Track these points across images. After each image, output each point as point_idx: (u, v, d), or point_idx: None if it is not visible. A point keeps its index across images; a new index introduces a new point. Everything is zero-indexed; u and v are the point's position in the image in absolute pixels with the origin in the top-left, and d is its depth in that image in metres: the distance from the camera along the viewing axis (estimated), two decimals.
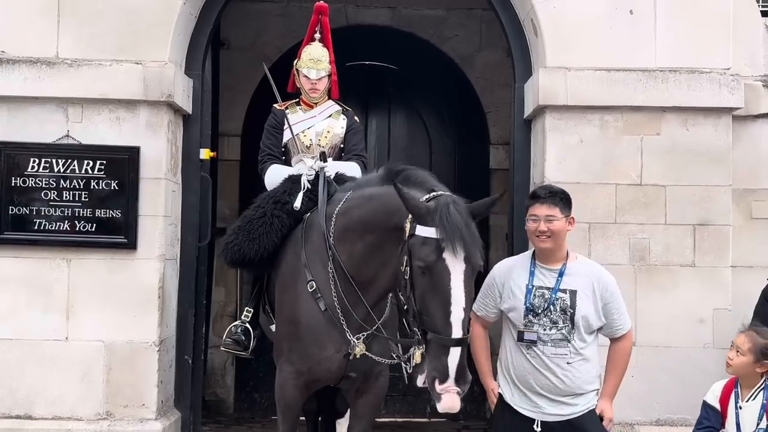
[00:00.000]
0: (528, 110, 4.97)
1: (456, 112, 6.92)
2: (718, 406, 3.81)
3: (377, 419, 6.12)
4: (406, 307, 3.09)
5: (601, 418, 3.39)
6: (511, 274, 3.42)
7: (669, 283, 4.71)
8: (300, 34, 6.44)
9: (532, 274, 3.35)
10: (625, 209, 4.72)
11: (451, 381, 2.85)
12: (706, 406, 3.86)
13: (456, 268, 2.93)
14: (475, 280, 3.10)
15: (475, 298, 3.50)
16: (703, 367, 4.67)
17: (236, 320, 4.20)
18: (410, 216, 3.05)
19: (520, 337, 3.33)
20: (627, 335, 3.46)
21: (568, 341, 3.30)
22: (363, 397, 3.68)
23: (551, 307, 3.29)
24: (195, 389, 5.03)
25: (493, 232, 6.83)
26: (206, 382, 6.23)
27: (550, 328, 3.30)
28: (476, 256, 2.96)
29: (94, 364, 4.63)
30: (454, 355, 2.86)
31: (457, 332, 2.89)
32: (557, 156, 4.74)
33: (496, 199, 3.28)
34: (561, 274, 3.33)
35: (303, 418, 4.51)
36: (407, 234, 3.05)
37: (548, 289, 3.32)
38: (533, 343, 3.30)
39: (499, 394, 3.44)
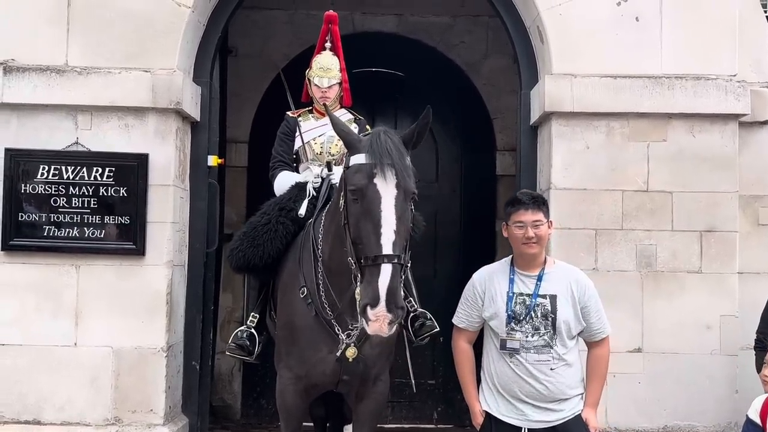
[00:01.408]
0: (534, 117, 4.98)
1: (462, 119, 6.93)
2: (758, 420, 3.80)
3: (384, 425, 6.13)
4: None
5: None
6: (492, 281, 3.40)
7: (676, 290, 4.71)
8: (307, 41, 6.50)
9: (511, 281, 3.35)
10: (631, 215, 4.72)
11: (382, 305, 2.80)
12: (748, 421, 3.88)
13: (387, 192, 2.94)
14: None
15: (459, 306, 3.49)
16: (710, 374, 4.67)
17: (242, 326, 4.22)
18: (346, 152, 3.12)
19: (503, 346, 3.33)
20: (605, 341, 3.45)
21: (551, 347, 3.29)
22: (363, 402, 3.68)
23: (532, 313, 3.28)
24: (202, 395, 5.04)
25: (500, 239, 6.83)
26: (213, 387, 6.25)
27: (532, 335, 3.29)
28: (407, 181, 2.97)
29: (103, 370, 4.65)
30: (385, 275, 2.83)
31: (387, 249, 2.86)
32: (563, 162, 4.75)
33: (420, 123, 3.18)
34: (539, 279, 3.32)
35: (312, 424, 4.53)
36: (342, 169, 3.10)
37: (528, 295, 3.31)
38: (516, 351, 3.29)
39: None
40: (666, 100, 4.72)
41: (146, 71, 4.70)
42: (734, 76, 4.76)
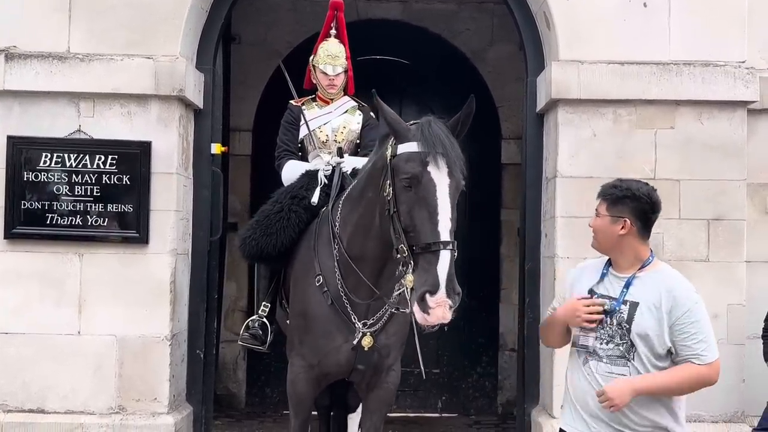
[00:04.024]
0: (540, 104, 4.94)
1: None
2: None
3: (389, 414, 6.10)
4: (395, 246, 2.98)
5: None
6: (582, 276, 2.99)
7: None
8: (311, 28, 6.43)
9: (603, 276, 2.91)
10: None
11: (442, 292, 2.77)
12: None
13: (441, 180, 2.92)
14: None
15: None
16: None
17: (253, 315, 4.20)
18: (391, 141, 3.08)
19: (575, 342, 2.92)
20: (707, 367, 2.81)
21: (627, 360, 2.81)
22: (374, 391, 3.67)
23: (608, 319, 2.83)
24: (207, 383, 5.03)
25: (505, 228, 6.81)
26: (218, 376, 6.24)
27: (607, 342, 2.84)
28: (458, 172, 2.96)
29: (107, 359, 4.65)
30: (444, 262, 2.80)
31: (445, 236, 2.84)
32: (570, 150, 4.71)
33: (464, 112, 3.14)
34: (628, 285, 2.85)
35: (315, 413, 4.51)
36: (389, 158, 3.05)
37: (612, 299, 2.86)
38: (589, 354, 2.85)
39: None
40: (674, 86, 4.67)
41: (149, 58, 4.67)
42: (743, 62, 4.71)
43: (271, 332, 4.02)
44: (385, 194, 3.05)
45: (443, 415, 6.74)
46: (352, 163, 4.08)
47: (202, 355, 4.96)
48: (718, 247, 4.68)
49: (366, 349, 3.46)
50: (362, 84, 4.67)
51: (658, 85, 4.67)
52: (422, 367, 3.47)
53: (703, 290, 4.56)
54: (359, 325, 3.43)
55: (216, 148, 5.03)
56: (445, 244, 2.83)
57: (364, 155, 4.24)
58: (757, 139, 4.85)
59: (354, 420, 4.44)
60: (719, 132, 4.71)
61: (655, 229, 4.58)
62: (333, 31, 4.45)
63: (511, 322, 6.58)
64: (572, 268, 3.09)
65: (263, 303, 4.09)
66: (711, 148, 4.70)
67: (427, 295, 2.79)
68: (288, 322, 3.88)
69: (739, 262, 4.69)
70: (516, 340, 5.97)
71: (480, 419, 6.57)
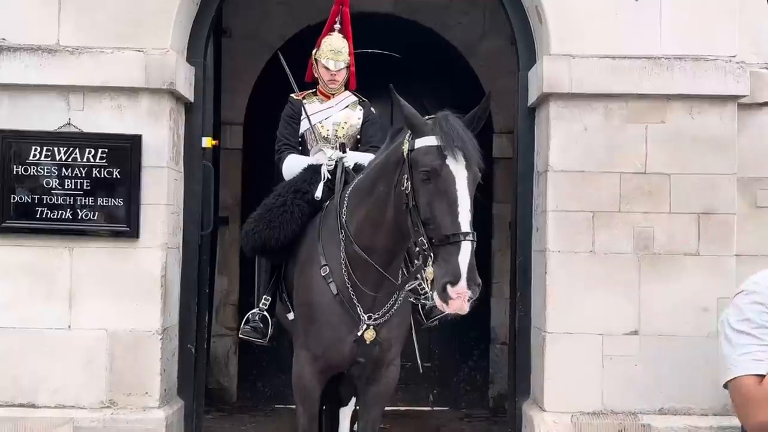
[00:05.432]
0: (532, 98, 4.94)
1: (459, 101, 6.85)
2: None
3: None
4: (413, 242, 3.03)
5: None
6: None
7: (673, 272, 4.69)
8: (302, 21, 6.43)
9: None
10: (629, 198, 4.70)
11: (463, 283, 2.79)
12: None
13: (459, 173, 2.96)
14: None
15: None
16: (707, 356, 4.64)
17: (247, 308, 4.23)
18: (407, 135, 3.11)
19: None
20: None
21: None
22: (373, 386, 3.69)
23: None
24: (198, 378, 5.03)
25: (497, 221, 6.81)
26: (209, 370, 6.23)
27: None
28: (476, 165, 3.01)
29: (97, 353, 4.63)
30: (465, 253, 2.82)
31: (465, 227, 2.87)
32: (561, 144, 4.71)
33: (481, 107, 3.21)
34: None
35: None
36: (406, 152, 3.08)
37: None
38: None
39: None
40: (665, 81, 4.67)
41: (139, 51, 4.64)
42: (734, 56, 4.72)
43: (271, 325, 4.04)
44: (402, 188, 3.07)
45: (434, 408, 6.76)
46: (354, 158, 4.10)
47: (193, 350, 4.95)
48: (709, 241, 4.70)
49: (368, 342, 3.48)
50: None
51: (650, 79, 4.67)
52: (419, 362, 3.49)
53: (694, 284, 4.69)
54: (364, 317, 3.45)
55: (207, 142, 5.01)
56: (466, 234, 2.86)
57: (365, 150, 4.26)
58: (748, 133, 4.86)
59: (345, 413, 4.44)
60: (710, 126, 4.72)
61: (646, 223, 4.70)
62: (337, 26, 4.46)
63: (502, 316, 6.59)
64: (748, 293, 2.10)
65: (264, 296, 4.10)
66: (701, 143, 4.71)
67: (448, 286, 2.80)
68: (288, 316, 3.90)
69: (729, 255, 4.71)
70: (507, 334, 5.98)
71: (471, 412, 6.59)
